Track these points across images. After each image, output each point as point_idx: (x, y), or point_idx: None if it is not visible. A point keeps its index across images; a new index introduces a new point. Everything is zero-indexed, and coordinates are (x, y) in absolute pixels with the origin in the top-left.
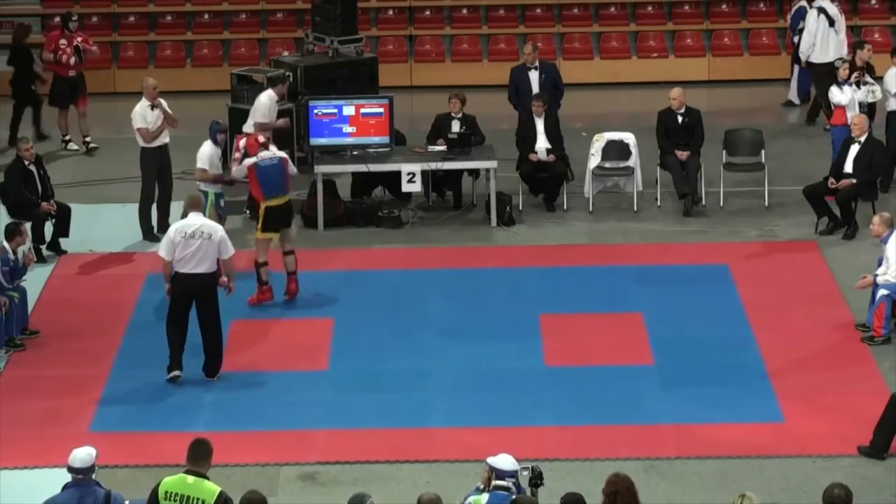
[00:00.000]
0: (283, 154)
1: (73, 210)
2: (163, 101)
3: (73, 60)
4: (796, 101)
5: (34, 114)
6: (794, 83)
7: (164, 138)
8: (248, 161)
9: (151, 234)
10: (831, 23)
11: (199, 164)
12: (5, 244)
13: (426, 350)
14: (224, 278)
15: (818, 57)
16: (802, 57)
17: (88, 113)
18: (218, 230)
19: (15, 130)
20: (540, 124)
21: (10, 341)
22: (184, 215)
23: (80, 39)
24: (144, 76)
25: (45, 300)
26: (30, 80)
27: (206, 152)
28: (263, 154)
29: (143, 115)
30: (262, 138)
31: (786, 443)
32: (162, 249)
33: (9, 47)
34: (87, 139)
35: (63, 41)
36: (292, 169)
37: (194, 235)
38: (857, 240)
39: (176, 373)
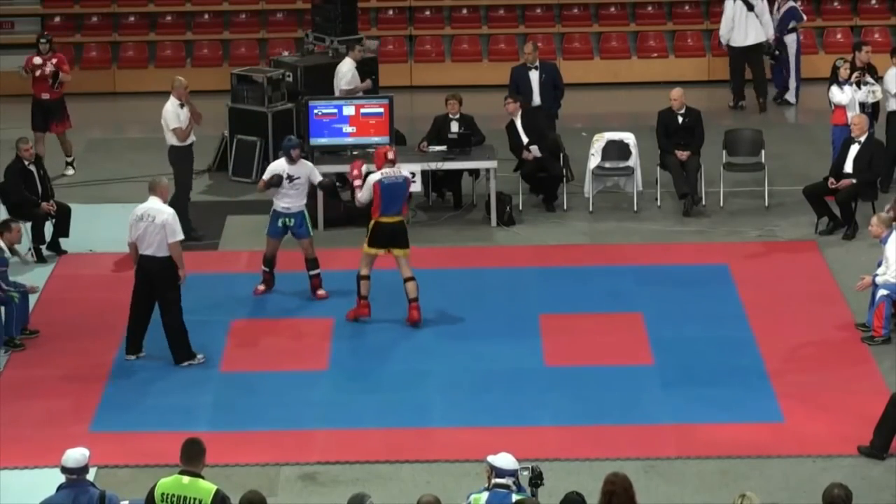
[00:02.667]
0: (407, 173)
1: (73, 210)
2: (190, 99)
3: (31, 72)
4: (792, 100)
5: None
6: (792, 83)
7: (192, 136)
8: (373, 178)
9: (188, 233)
10: (750, 7)
11: (265, 176)
12: (0, 243)
13: (426, 350)
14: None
15: (736, 40)
16: (722, 40)
17: (68, 136)
18: (163, 213)
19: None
20: (519, 122)
21: (10, 341)
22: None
23: (54, 62)
24: (176, 75)
25: (45, 300)
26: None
27: (273, 167)
28: (388, 171)
29: (177, 114)
30: (391, 154)
31: (786, 443)
32: (127, 230)
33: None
34: (69, 159)
35: (38, 59)
36: (413, 188)
37: (142, 218)
38: (857, 240)
39: (130, 356)
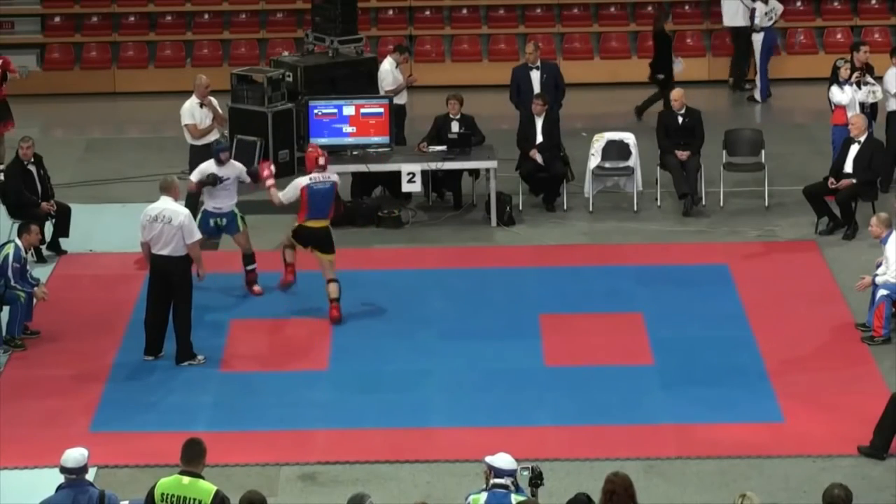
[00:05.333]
0: (336, 178)
1: (73, 210)
2: (213, 100)
3: None
4: (758, 98)
5: (662, 97)
6: (757, 80)
7: (213, 136)
8: (301, 182)
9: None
10: None
11: (194, 177)
12: (18, 241)
13: (426, 350)
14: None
15: (725, 22)
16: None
17: (6, 141)
18: (179, 215)
19: (645, 108)
20: (539, 123)
21: (10, 341)
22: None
23: None
24: (198, 74)
25: (45, 300)
26: (664, 66)
27: (203, 168)
28: (316, 175)
29: (192, 111)
30: (321, 160)
31: (786, 443)
32: (139, 230)
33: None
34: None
35: None
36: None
37: (157, 219)
38: (857, 240)
39: (147, 358)
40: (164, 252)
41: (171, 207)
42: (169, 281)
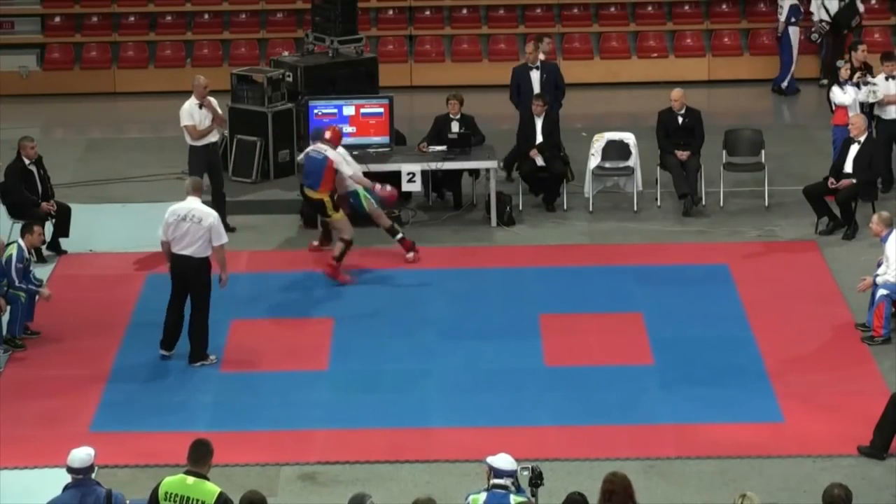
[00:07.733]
0: (331, 155)
1: (73, 210)
2: (213, 100)
3: None
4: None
5: None
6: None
7: (213, 136)
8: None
9: None
10: None
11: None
12: (21, 242)
13: (426, 350)
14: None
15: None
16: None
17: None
18: (209, 216)
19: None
20: (539, 123)
21: (10, 341)
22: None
23: None
24: (196, 75)
25: (45, 300)
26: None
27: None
28: (319, 146)
29: (191, 112)
30: (328, 133)
31: (786, 443)
32: (160, 229)
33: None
34: None
35: None
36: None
37: (185, 218)
38: (857, 240)
39: (162, 352)
40: (187, 252)
41: (200, 208)
42: (188, 281)
